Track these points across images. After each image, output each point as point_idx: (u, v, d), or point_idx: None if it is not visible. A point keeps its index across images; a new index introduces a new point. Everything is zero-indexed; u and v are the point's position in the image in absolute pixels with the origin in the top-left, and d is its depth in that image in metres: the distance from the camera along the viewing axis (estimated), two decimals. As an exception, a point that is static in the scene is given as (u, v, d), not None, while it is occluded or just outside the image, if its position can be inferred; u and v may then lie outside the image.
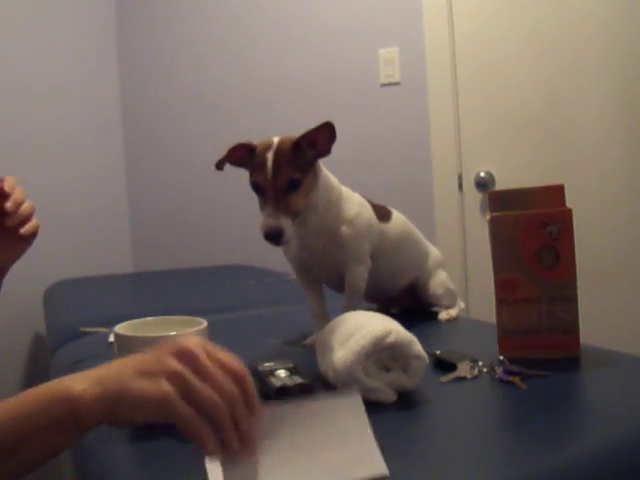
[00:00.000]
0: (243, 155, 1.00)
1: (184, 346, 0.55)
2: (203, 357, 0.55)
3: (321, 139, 0.98)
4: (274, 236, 0.94)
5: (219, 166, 1.04)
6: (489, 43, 2.20)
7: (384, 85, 2.38)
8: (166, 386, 0.53)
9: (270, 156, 0.96)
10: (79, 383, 0.53)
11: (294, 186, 0.96)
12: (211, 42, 2.68)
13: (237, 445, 0.54)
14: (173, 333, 0.73)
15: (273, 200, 0.95)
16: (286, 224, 0.94)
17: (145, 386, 0.53)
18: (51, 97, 2.41)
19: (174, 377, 0.53)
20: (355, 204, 1.08)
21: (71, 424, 0.53)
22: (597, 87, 2.03)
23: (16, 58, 2.26)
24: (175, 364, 0.53)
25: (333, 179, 1.07)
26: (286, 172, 0.95)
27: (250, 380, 0.57)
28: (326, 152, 1.00)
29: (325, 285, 1.16)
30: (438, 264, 1.28)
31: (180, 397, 0.53)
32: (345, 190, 1.09)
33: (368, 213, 1.10)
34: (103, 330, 1.33)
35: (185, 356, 0.54)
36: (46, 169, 2.34)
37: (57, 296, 1.99)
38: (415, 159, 2.35)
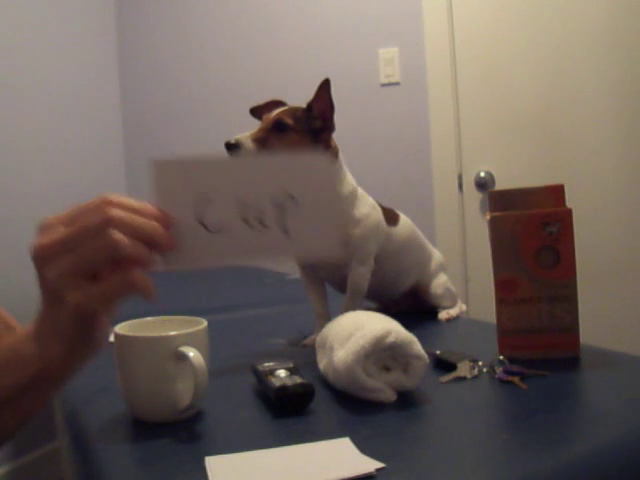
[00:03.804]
0: (274, 109, 1.05)
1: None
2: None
3: (322, 98, 1.02)
4: (229, 145, 0.98)
5: (254, 111, 1.10)
6: (489, 43, 2.20)
7: (384, 85, 2.39)
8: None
9: (283, 106, 1.05)
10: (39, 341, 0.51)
11: (279, 127, 1.00)
12: (211, 43, 2.69)
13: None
14: (173, 333, 0.73)
15: (256, 130, 1.01)
16: (247, 144, 0.98)
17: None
18: (51, 99, 2.41)
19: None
20: (367, 205, 1.09)
21: None
22: (597, 87, 2.03)
23: (16, 60, 2.26)
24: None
25: (349, 176, 1.09)
26: (280, 114, 1.01)
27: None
28: (329, 118, 1.03)
29: (328, 284, 1.16)
30: (440, 267, 1.28)
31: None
32: (360, 191, 1.10)
33: (377, 215, 1.11)
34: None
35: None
36: (46, 171, 2.34)
37: (57, 296, 1.99)
38: (415, 159, 2.35)
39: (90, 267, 0.48)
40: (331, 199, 0.55)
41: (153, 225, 0.49)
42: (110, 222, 0.47)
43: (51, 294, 0.49)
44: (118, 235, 0.47)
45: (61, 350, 0.52)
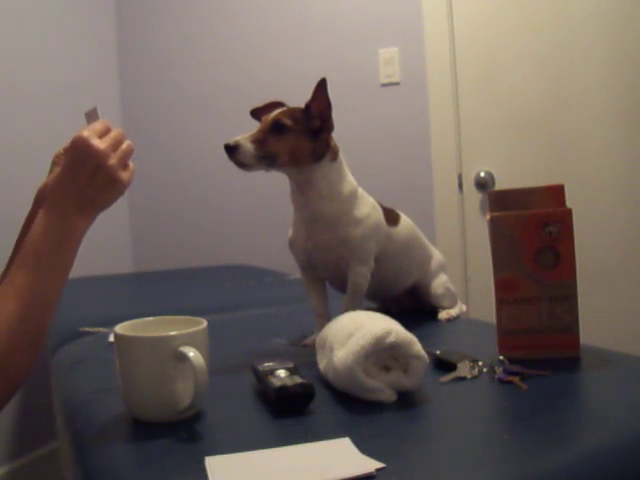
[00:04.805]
0: (274, 110, 1.05)
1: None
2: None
3: (319, 98, 1.02)
4: (228, 147, 0.98)
5: (253, 113, 1.10)
6: (489, 43, 2.20)
7: (384, 85, 2.39)
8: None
9: (282, 107, 1.05)
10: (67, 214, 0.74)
11: (278, 128, 1.01)
12: (211, 43, 2.69)
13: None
14: (173, 333, 0.73)
15: (255, 131, 1.01)
16: (246, 146, 0.98)
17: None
18: (51, 98, 2.41)
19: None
20: (367, 205, 1.09)
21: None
22: (597, 87, 2.03)
23: (16, 59, 2.26)
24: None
25: (350, 177, 1.09)
26: (278, 115, 1.02)
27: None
28: (327, 118, 1.03)
29: (328, 284, 1.16)
30: (440, 267, 1.28)
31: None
32: (361, 191, 1.10)
33: (377, 216, 1.11)
34: (103, 330, 1.33)
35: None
36: (46, 170, 2.33)
37: (57, 296, 1.98)
38: (415, 159, 2.35)
39: (127, 159, 0.78)
40: None
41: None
42: (124, 135, 0.78)
43: (111, 176, 0.75)
44: (130, 142, 0.79)
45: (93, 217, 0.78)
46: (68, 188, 0.75)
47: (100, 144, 0.74)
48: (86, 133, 0.74)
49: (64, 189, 0.75)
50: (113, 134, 0.77)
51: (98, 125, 0.77)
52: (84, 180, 0.74)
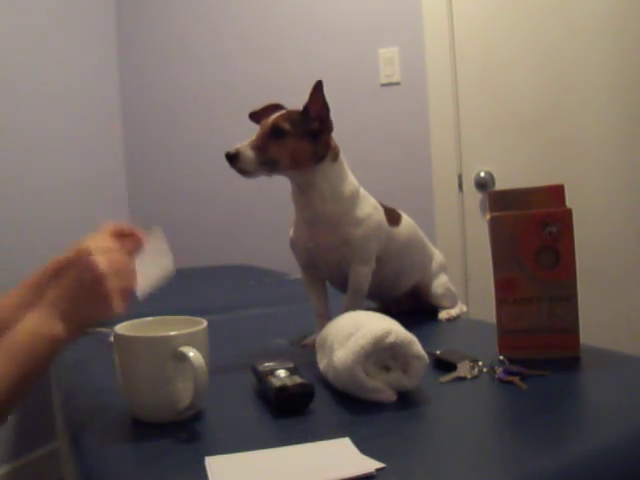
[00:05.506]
0: (272, 113, 1.06)
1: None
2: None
3: (316, 100, 1.02)
4: (229, 156, 0.98)
5: (252, 116, 1.10)
6: (489, 43, 2.20)
7: (384, 85, 2.39)
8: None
9: (281, 109, 1.05)
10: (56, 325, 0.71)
11: (277, 133, 1.01)
12: (211, 42, 2.69)
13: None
14: (173, 333, 0.73)
15: (254, 137, 1.01)
16: (246, 153, 0.99)
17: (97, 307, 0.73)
18: (51, 98, 2.41)
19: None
20: (369, 206, 1.09)
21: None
22: (597, 87, 2.03)
23: (16, 58, 2.26)
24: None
25: (351, 177, 1.09)
26: (277, 119, 1.02)
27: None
28: (325, 119, 1.03)
29: (329, 284, 1.16)
30: (440, 267, 1.29)
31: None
32: (363, 191, 1.10)
33: (379, 216, 1.11)
34: (103, 330, 1.33)
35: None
36: (46, 170, 2.34)
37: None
38: (415, 159, 2.35)
39: (128, 292, 0.74)
40: None
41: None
42: (129, 264, 0.76)
43: (105, 298, 0.71)
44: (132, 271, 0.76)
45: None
46: (65, 304, 0.72)
47: (101, 263, 0.71)
48: (92, 248, 0.72)
49: (60, 304, 0.72)
50: (114, 262, 0.73)
51: (97, 245, 0.73)
52: (82, 299, 0.72)
